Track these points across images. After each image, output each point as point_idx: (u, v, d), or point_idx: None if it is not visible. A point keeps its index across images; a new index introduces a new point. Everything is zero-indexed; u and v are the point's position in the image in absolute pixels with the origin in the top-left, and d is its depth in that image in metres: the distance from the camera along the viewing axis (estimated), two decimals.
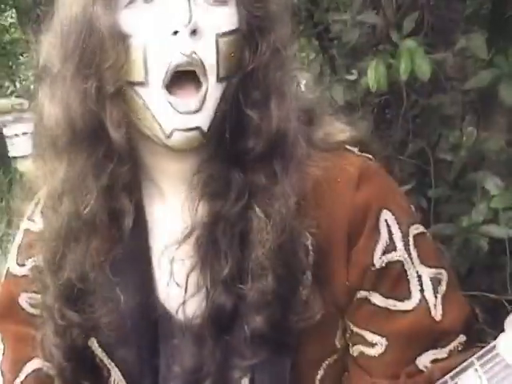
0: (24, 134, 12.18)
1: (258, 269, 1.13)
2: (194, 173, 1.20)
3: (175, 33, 1.07)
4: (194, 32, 1.07)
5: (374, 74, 2.58)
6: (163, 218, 1.26)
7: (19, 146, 10.66)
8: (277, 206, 1.14)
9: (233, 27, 1.12)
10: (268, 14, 1.18)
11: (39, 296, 1.31)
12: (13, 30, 11.02)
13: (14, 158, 10.27)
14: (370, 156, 1.26)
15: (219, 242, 1.15)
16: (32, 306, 1.35)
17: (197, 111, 1.11)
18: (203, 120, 1.12)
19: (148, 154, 1.23)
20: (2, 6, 10.91)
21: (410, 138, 2.99)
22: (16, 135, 11.07)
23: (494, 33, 2.84)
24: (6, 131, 10.19)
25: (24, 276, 1.35)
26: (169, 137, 1.12)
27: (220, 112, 1.14)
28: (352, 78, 2.90)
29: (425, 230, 1.24)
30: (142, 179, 1.26)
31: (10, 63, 10.44)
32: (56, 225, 1.23)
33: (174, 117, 1.11)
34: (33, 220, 1.38)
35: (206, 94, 1.11)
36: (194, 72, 1.10)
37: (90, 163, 1.17)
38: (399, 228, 1.19)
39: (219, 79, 1.11)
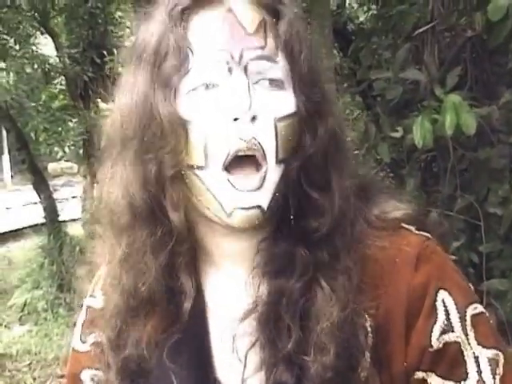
0: (73, 197, 12.35)
1: (322, 342, 1.11)
2: (255, 251, 1.18)
3: (236, 119, 1.07)
4: (253, 118, 1.08)
5: (419, 131, 2.58)
6: (221, 295, 1.25)
7: (69, 209, 10.80)
8: (341, 280, 1.14)
9: (290, 111, 1.12)
10: (324, 97, 1.19)
11: (101, 373, 1.31)
12: (61, 96, 11.24)
13: (64, 221, 10.38)
14: (428, 234, 1.23)
15: (282, 319, 1.13)
16: (94, 381, 1.35)
17: (257, 189, 1.10)
18: (263, 198, 1.11)
19: (206, 234, 1.22)
20: (52, 73, 11.18)
21: (458, 193, 2.97)
22: (65, 199, 11.24)
23: None
24: (56, 195, 10.32)
25: (86, 352, 1.36)
26: (230, 216, 1.11)
27: (279, 192, 1.12)
28: (397, 135, 2.89)
29: (483, 310, 1.20)
30: (198, 257, 1.26)
31: (60, 129, 10.62)
32: (116, 302, 1.24)
33: (234, 196, 1.10)
34: (94, 296, 1.38)
35: (265, 175, 1.10)
36: (253, 155, 1.11)
37: (149, 242, 1.17)
38: (456, 308, 1.16)
39: (278, 161, 1.11)
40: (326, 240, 1.14)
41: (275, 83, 1.12)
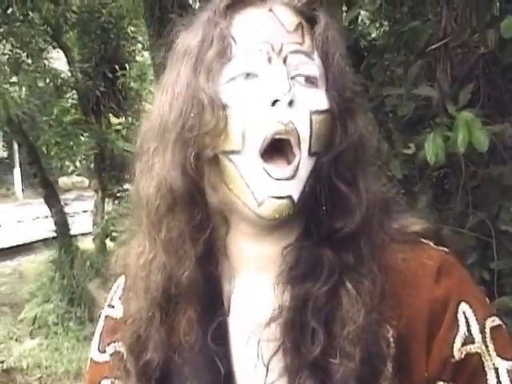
0: (84, 211, 12.38)
1: (347, 346, 1.13)
2: (280, 258, 1.20)
3: (274, 103, 1.11)
4: (291, 103, 1.12)
5: (431, 147, 2.58)
6: (243, 302, 1.26)
7: (80, 223, 10.83)
8: (366, 283, 1.16)
9: (324, 107, 1.16)
10: (354, 99, 1.24)
11: (120, 381, 1.31)
12: (73, 111, 11.28)
13: (75, 235, 10.42)
14: (446, 249, 1.26)
15: (307, 324, 1.14)
16: None
17: (290, 178, 1.13)
18: (294, 189, 1.13)
19: (231, 238, 1.24)
20: (64, 87, 11.24)
21: (470, 210, 2.96)
22: (76, 213, 11.26)
23: None
24: (67, 209, 10.35)
25: (105, 362, 1.36)
26: (260, 205, 1.13)
27: (309, 186, 1.15)
28: (409, 151, 2.88)
29: (501, 323, 1.23)
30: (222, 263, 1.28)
31: (71, 143, 10.65)
32: (139, 306, 1.25)
33: (267, 184, 1.13)
34: (112, 306, 1.39)
35: (298, 164, 1.13)
36: (286, 144, 1.13)
37: (189, 228, 1.19)
38: (476, 320, 1.18)
39: (311, 153, 1.14)
40: (351, 241, 1.17)
41: (310, 80, 1.17)
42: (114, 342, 1.33)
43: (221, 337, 1.23)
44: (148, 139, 1.25)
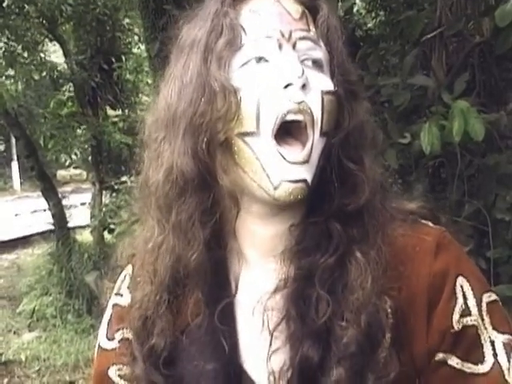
0: (82, 204, 12.36)
1: (354, 312, 1.16)
2: (286, 236, 1.24)
3: (287, 86, 1.15)
4: (304, 86, 1.16)
5: (427, 137, 2.58)
6: (250, 279, 1.28)
7: (78, 216, 10.82)
8: (372, 253, 1.19)
9: (332, 89, 1.20)
10: (357, 84, 1.30)
11: (127, 367, 1.35)
12: (70, 103, 11.25)
13: (73, 228, 10.41)
14: (444, 228, 1.30)
15: (313, 294, 1.18)
16: (120, 377, 1.38)
17: (304, 162, 1.16)
18: (309, 173, 1.17)
19: (239, 220, 1.26)
20: (61, 80, 11.21)
21: (466, 199, 2.97)
22: (74, 206, 11.24)
23: None
24: (64, 202, 10.34)
25: (113, 349, 1.38)
26: (276, 188, 1.16)
27: (319, 168, 1.19)
28: (405, 141, 2.88)
29: (497, 298, 1.26)
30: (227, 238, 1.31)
31: (67, 136, 10.62)
32: (146, 291, 1.28)
33: (282, 167, 1.16)
34: (121, 295, 1.42)
35: (312, 147, 1.17)
36: (299, 127, 1.17)
37: (198, 212, 1.21)
38: (473, 294, 1.22)
39: (322, 133, 1.18)
40: (356, 217, 1.22)
41: (317, 64, 1.22)
42: (122, 328, 1.36)
43: (227, 315, 1.26)
44: (155, 129, 1.27)
